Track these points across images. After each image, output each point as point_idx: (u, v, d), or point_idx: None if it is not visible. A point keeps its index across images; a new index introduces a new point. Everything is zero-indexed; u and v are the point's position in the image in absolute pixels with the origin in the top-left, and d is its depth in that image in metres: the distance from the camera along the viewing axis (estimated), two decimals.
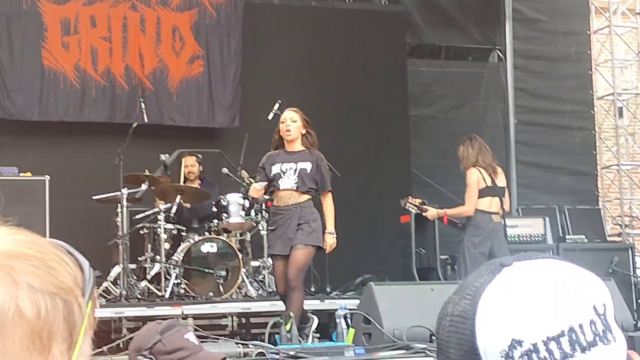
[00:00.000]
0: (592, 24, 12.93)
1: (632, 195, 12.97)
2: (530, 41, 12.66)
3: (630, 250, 10.72)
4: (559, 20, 12.64)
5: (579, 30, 12.75)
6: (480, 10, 12.66)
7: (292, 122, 7.73)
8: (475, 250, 8.38)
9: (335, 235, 7.56)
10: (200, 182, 9.82)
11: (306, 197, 7.62)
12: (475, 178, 8.41)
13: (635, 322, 8.90)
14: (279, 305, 8.28)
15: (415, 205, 8.73)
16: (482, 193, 8.41)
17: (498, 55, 12.68)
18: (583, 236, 10.95)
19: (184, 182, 9.51)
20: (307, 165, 7.69)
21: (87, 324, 0.99)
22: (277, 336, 7.21)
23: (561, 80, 12.62)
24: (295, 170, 7.62)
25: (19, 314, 0.93)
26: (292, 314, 7.12)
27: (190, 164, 9.77)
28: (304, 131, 7.79)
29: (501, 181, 8.62)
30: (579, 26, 12.74)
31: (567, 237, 10.98)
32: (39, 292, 0.94)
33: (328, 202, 7.70)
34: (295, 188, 7.58)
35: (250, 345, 6.96)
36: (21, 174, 9.13)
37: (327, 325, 8.57)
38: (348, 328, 7.35)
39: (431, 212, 8.72)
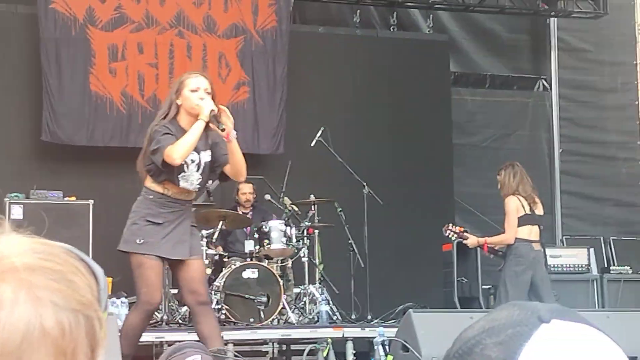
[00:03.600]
0: (639, 55, 12.84)
1: None
2: (576, 71, 12.60)
3: None
4: (605, 50, 12.57)
5: (625, 60, 12.65)
6: (526, 40, 12.66)
7: None
8: (518, 279, 8.32)
9: None
10: (252, 208, 9.82)
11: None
12: (515, 206, 8.36)
13: None
14: (319, 332, 8.31)
15: (455, 233, 8.69)
16: (522, 221, 8.35)
17: (543, 84, 12.63)
18: (628, 267, 10.85)
19: (237, 209, 9.59)
20: None
21: (104, 336, 0.98)
22: None
23: (607, 111, 12.55)
24: None
25: (43, 333, 0.92)
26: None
27: (248, 191, 9.77)
28: None
29: (540, 210, 8.57)
30: (626, 56, 12.65)
31: (611, 268, 10.88)
32: (62, 309, 0.94)
33: None
34: None
35: None
36: (66, 198, 9.26)
37: (367, 354, 8.55)
38: (386, 355, 7.33)
39: (471, 240, 8.68)
